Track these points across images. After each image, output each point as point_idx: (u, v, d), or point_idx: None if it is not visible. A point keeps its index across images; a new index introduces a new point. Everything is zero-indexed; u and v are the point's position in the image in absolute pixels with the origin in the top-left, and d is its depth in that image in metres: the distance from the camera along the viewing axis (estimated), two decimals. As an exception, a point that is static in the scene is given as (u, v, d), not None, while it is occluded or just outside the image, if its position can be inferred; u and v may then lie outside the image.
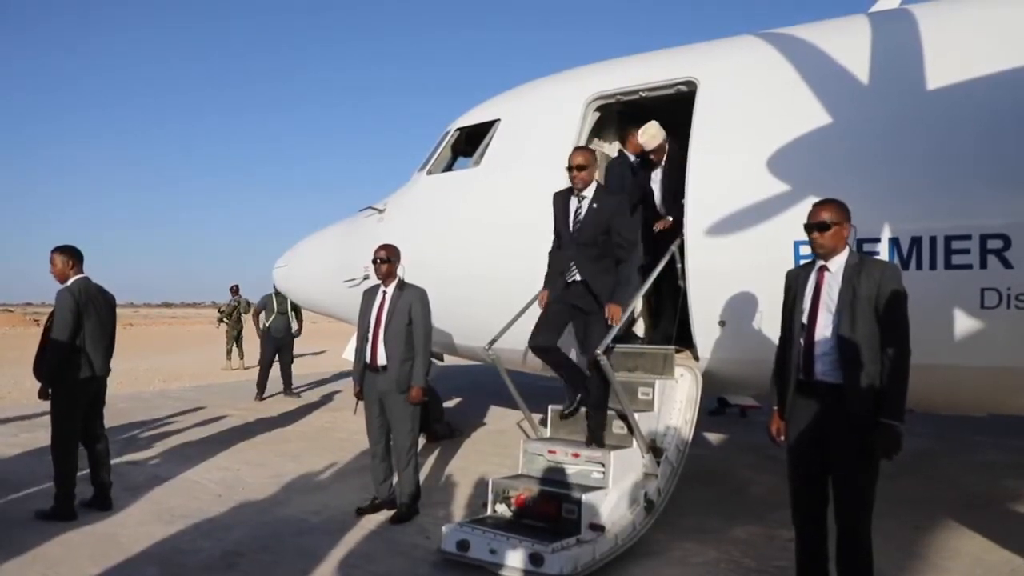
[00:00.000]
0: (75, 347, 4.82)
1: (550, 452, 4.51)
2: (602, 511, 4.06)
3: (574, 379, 4.72)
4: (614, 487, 4.20)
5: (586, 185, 4.55)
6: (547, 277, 4.76)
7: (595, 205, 4.53)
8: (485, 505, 4.41)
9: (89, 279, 5.04)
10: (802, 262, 4.31)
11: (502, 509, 4.30)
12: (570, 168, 4.54)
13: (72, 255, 5.01)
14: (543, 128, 5.92)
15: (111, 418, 5.98)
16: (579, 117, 5.68)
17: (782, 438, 3.39)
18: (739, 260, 4.77)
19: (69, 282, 4.94)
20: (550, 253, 4.79)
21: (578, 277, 4.55)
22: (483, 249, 6.05)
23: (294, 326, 11.08)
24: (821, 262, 3.26)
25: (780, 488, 5.12)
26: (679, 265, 5.06)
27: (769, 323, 4.59)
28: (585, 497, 4.02)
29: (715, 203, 4.85)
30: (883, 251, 4.32)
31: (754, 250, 4.70)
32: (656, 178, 5.50)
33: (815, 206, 3.28)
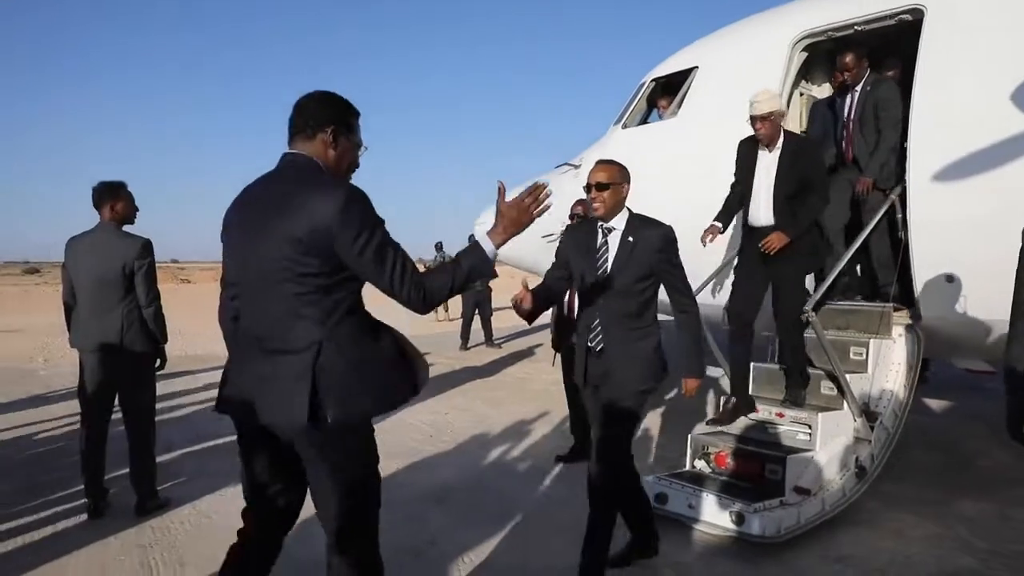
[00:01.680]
0: None
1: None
2: (808, 474, 3.91)
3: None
4: (822, 450, 4.03)
5: (611, 212, 3.27)
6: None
7: (630, 239, 3.23)
8: (684, 460, 4.41)
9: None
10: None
11: (701, 465, 4.29)
12: (588, 187, 3.27)
13: None
14: (744, 73, 5.59)
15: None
16: (784, 59, 5.32)
17: None
18: (971, 208, 4.25)
19: None
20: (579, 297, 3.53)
21: (602, 345, 3.23)
22: (681, 203, 5.91)
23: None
24: None
25: (1016, 464, 4.64)
26: (899, 215, 4.63)
27: (1008, 279, 4.10)
28: (790, 458, 3.90)
29: (945, 145, 4.36)
30: None
31: (990, 196, 4.17)
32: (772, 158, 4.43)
33: None
